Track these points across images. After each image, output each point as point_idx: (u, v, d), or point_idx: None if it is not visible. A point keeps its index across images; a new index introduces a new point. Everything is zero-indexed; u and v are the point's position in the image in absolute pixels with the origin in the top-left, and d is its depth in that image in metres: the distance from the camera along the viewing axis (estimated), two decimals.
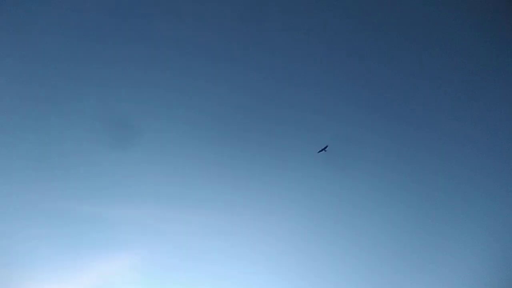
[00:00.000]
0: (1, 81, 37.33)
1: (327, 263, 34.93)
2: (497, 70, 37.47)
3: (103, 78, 38.72)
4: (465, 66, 38.27)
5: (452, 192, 36.42)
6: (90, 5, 39.23)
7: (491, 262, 32.74)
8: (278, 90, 39.51)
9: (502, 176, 35.77)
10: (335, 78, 39.58)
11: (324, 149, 36.92)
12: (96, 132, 37.27)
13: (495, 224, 34.08)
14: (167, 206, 36.61)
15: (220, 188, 37.18)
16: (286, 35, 39.72)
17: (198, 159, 37.83)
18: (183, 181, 37.49)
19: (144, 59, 39.13)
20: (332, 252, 35.49)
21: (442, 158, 37.29)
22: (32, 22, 38.42)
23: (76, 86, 38.35)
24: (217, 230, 35.95)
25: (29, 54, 38.06)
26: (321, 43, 39.82)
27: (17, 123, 37.20)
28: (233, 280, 34.60)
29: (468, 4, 37.98)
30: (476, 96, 37.69)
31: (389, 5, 39.32)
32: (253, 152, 38.34)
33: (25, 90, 37.74)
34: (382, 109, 38.92)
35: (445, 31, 38.88)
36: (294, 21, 40.00)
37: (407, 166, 37.75)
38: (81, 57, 38.74)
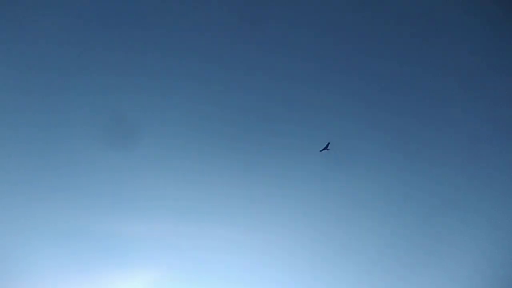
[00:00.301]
0: (5, 90, 37.41)
1: (337, 264, 35.14)
2: (500, 66, 37.32)
3: (111, 86, 38.56)
4: (469, 62, 38.10)
5: (455, 191, 36.55)
6: (90, 9, 39.15)
7: (492, 263, 32.97)
8: (280, 90, 39.46)
9: (505, 174, 35.93)
10: (336, 76, 39.49)
11: (326, 147, 36.79)
12: (111, 147, 37.11)
13: (496, 224, 34.24)
14: (183, 221, 36.31)
15: (235, 199, 37.03)
16: (285, 33, 39.52)
17: (212, 170, 37.68)
18: (196, 194, 37.26)
19: (149, 63, 39.07)
20: (343, 252, 35.71)
21: (444, 157, 37.34)
22: (32, 25, 38.34)
23: (82, 95, 38.28)
24: (234, 243, 35.82)
25: (29, 61, 38.08)
26: (321, 40, 39.60)
27: (30, 139, 37.10)
28: None
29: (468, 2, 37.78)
30: (478, 92, 37.65)
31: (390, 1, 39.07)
32: (262, 156, 38.18)
33: (31, 102, 37.69)
34: (385, 107, 38.87)
35: (446, 26, 38.65)
36: (293, 19, 39.74)
37: (409, 164, 37.83)
38: (87, 64, 38.66)
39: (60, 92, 38.11)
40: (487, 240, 33.71)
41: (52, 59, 38.55)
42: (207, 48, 39.29)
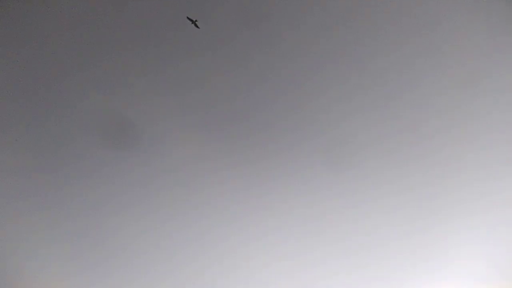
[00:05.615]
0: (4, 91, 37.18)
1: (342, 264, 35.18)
2: (500, 67, 37.56)
3: (112, 86, 38.45)
4: (468, 62, 38.29)
5: (456, 191, 36.71)
6: (89, 9, 39.07)
7: (494, 265, 33.16)
8: (279, 93, 39.49)
9: (505, 174, 36.09)
10: (340, 76, 39.56)
11: (194, 22, 36.31)
12: (115, 147, 36.74)
13: (499, 225, 34.45)
14: (186, 223, 36.33)
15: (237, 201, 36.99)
16: (283, 37, 39.59)
17: (213, 172, 37.51)
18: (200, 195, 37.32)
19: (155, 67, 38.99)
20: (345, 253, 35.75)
21: (445, 158, 37.51)
22: (32, 23, 38.17)
23: (82, 95, 38.09)
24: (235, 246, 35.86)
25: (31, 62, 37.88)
26: (321, 40, 39.74)
27: (30, 139, 36.85)
28: None
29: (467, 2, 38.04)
30: (477, 94, 37.84)
31: (387, 4, 39.27)
32: (265, 156, 38.18)
33: (31, 102, 37.55)
34: (385, 109, 38.98)
35: (445, 28, 38.90)
36: (292, 21, 39.88)
37: (410, 165, 37.96)
38: (87, 64, 38.52)
39: (60, 92, 37.99)
40: (489, 247, 34.01)
41: (51, 58, 38.45)
42: (210, 48, 39.31)
